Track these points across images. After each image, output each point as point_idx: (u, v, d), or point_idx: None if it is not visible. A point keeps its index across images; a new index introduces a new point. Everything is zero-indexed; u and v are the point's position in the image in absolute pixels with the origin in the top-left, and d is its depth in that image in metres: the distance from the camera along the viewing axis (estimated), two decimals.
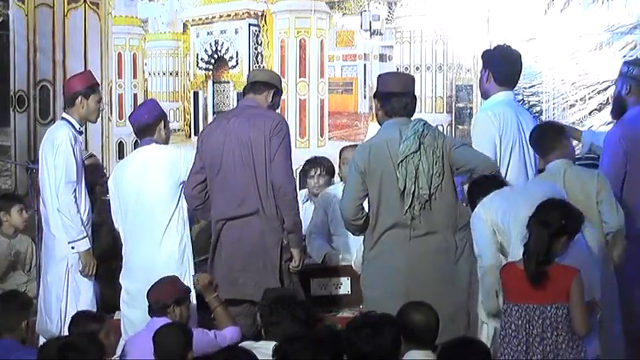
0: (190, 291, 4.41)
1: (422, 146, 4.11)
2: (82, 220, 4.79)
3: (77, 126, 4.92)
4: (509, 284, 3.58)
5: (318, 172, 5.81)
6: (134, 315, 4.68)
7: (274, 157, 4.39)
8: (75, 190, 4.78)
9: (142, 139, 4.87)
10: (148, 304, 4.22)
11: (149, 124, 4.79)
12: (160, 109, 4.94)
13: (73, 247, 4.78)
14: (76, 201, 4.78)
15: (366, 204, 4.32)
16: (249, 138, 4.41)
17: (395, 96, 4.25)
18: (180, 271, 4.58)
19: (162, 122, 4.85)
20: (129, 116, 5.07)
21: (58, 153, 4.78)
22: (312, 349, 3.04)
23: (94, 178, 5.51)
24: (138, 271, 4.69)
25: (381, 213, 4.18)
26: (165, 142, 4.87)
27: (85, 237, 4.80)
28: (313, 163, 5.95)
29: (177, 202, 4.69)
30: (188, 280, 4.59)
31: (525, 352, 3.48)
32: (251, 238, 4.42)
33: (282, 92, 4.78)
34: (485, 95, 4.46)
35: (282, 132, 4.44)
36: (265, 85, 4.61)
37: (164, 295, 4.17)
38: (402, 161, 4.09)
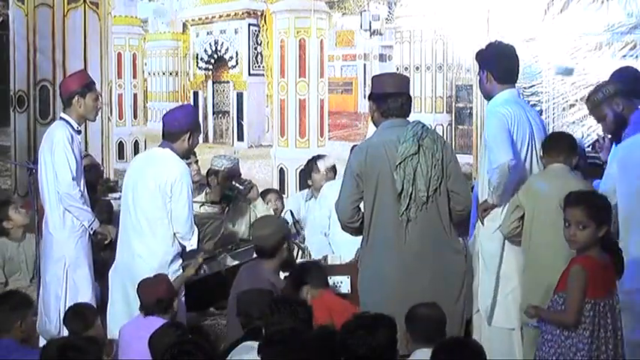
0: (177, 291, 4.41)
1: (421, 148, 4.06)
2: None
3: (75, 125, 4.91)
4: (597, 280, 3.40)
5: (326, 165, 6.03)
6: (115, 309, 4.68)
7: None
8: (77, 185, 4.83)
9: (163, 140, 4.75)
10: (139, 302, 4.21)
11: (171, 132, 4.66)
12: (191, 121, 4.74)
13: (92, 229, 4.87)
14: (82, 195, 4.84)
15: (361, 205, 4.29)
16: None
17: (391, 96, 4.20)
18: (166, 272, 4.51)
19: (189, 134, 4.65)
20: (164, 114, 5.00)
21: (56, 152, 4.77)
22: (309, 350, 3.03)
23: (92, 177, 5.52)
24: (123, 266, 4.68)
25: (376, 215, 4.12)
26: (185, 152, 4.69)
27: (94, 216, 4.91)
28: (319, 158, 6.19)
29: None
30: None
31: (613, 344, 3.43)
32: None
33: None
34: (488, 96, 4.37)
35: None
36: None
37: (161, 293, 4.16)
38: (400, 163, 4.04)
